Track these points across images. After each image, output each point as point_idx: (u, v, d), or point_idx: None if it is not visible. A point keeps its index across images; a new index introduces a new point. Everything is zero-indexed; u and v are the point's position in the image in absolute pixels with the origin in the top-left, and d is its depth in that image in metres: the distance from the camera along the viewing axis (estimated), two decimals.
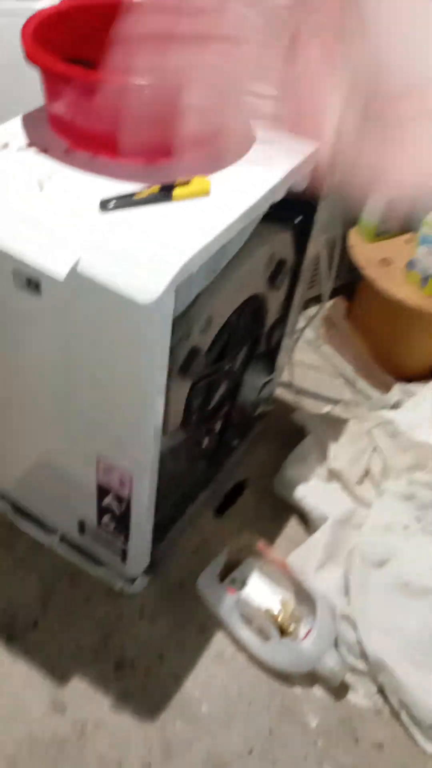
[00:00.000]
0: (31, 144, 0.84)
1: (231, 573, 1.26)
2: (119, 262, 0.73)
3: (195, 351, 0.91)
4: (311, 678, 1.15)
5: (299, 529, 1.38)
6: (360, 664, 1.15)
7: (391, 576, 1.22)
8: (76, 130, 0.84)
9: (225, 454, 1.40)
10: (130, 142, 0.82)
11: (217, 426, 1.29)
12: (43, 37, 0.85)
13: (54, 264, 0.74)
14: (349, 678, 1.15)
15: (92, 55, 0.91)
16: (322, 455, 1.44)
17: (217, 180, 0.83)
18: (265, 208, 0.86)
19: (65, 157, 0.83)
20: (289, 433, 1.52)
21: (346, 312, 1.81)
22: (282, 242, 1.05)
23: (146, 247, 0.74)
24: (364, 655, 1.14)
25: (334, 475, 1.41)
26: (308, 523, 1.37)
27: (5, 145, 0.84)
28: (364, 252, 1.60)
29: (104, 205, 0.77)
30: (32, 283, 0.80)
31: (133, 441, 0.91)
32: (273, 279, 1.07)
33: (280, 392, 1.61)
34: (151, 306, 0.72)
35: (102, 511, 1.07)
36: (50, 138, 0.86)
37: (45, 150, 0.84)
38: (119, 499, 1.02)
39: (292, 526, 1.39)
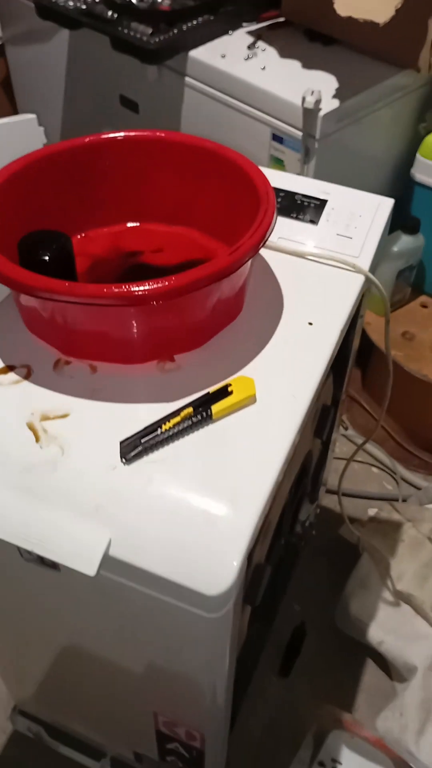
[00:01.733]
0: (9, 366, 0.64)
1: (317, 754, 1.07)
2: (165, 541, 0.54)
3: (259, 570, 0.72)
4: None
5: (379, 674, 1.19)
6: None
7: None
8: (69, 337, 0.64)
9: (278, 601, 1.21)
10: (145, 343, 0.63)
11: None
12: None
13: (77, 554, 0.54)
14: None
15: (55, 212, 0.73)
16: (384, 574, 1.25)
17: (256, 372, 0.64)
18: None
19: (57, 379, 0.63)
20: (335, 549, 1.33)
21: (361, 384, 1.64)
22: (326, 389, 0.86)
23: (197, 508, 0.55)
24: None
25: (402, 598, 1.22)
26: (388, 667, 1.18)
27: None
28: (380, 328, 1.42)
29: (125, 454, 0.57)
30: (46, 560, 0.60)
31: (200, 708, 0.71)
32: (320, 430, 0.89)
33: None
34: (222, 596, 0.53)
35: (165, 752, 0.87)
36: (31, 348, 0.66)
37: (28, 372, 0.64)
38: (188, 747, 0.82)
39: (370, 671, 1.20)
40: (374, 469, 1.50)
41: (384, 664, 1.18)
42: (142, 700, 0.78)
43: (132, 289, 0.55)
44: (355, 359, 1.09)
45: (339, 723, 1.07)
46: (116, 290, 0.55)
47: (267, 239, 0.61)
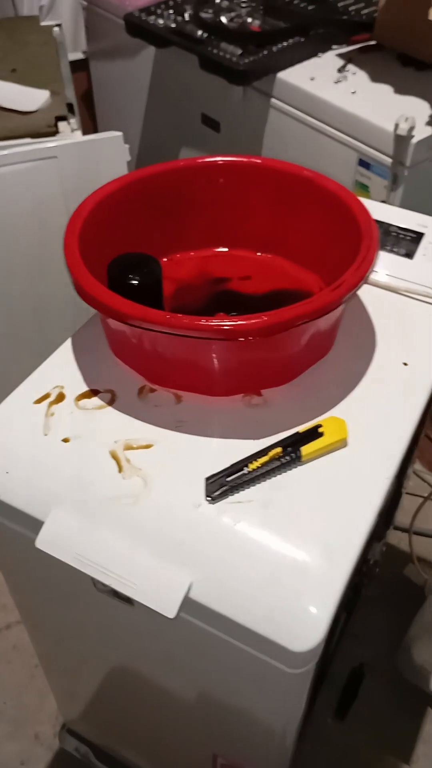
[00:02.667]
0: (93, 391, 0.63)
1: None
2: (250, 588, 0.51)
3: (335, 619, 0.68)
4: None
5: None
6: None
7: None
8: (156, 366, 0.63)
9: (339, 641, 1.16)
10: (232, 376, 0.61)
11: None
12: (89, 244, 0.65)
13: (157, 594, 0.52)
14: None
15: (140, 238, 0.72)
16: None
17: (347, 413, 0.61)
18: None
19: (141, 406, 0.62)
20: (400, 590, 1.28)
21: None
22: None
23: (285, 556, 0.52)
24: None
25: None
26: None
27: (60, 397, 0.63)
28: None
29: (211, 492, 0.55)
30: (120, 593, 0.58)
31: (264, 754, 0.68)
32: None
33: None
34: (308, 653, 0.50)
35: None
36: (116, 373, 0.65)
37: (112, 398, 0.63)
38: None
39: None
40: None
41: None
42: (202, 739, 0.75)
43: (230, 324, 0.53)
44: None
45: None
46: (214, 324, 0.53)
47: (369, 275, 0.59)
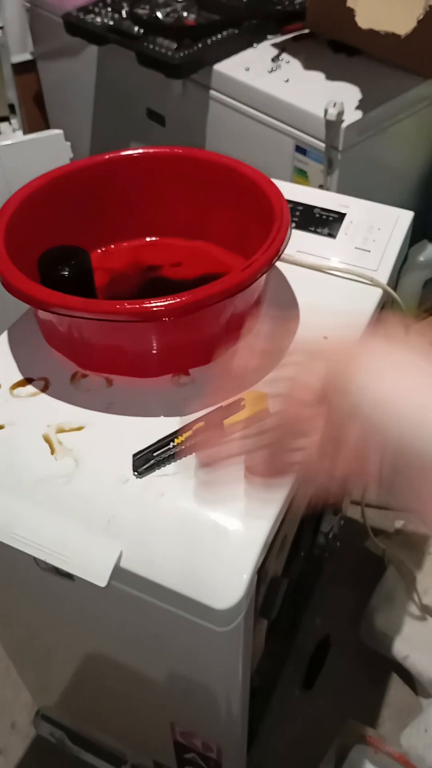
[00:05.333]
0: (27, 379, 0.66)
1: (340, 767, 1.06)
2: (176, 554, 0.54)
3: (275, 584, 0.72)
4: None
5: (404, 689, 1.17)
6: None
7: None
8: (86, 351, 0.65)
9: (300, 614, 1.20)
10: (159, 358, 0.64)
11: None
12: (20, 231, 0.67)
13: (89, 565, 0.55)
14: None
15: (79, 227, 0.74)
16: (410, 588, 1.24)
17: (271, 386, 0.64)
18: None
19: (74, 392, 0.65)
20: (361, 562, 1.32)
21: None
22: None
23: (208, 522, 0.55)
24: None
25: (428, 612, 1.21)
26: (414, 682, 1.16)
27: None
28: None
29: (138, 467, 0.58)
30: (60, 569, 0.61)
31: (215, 720, 0.72)
32: None
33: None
34: (231, 610, 0.53)
35: (183, 761, 0.87)
36: (49, 361, 0.67)
37: (46, 385, 0.65)
38: (205, 758, 0.82)
39: (395, 686, 1.18)
40: None
41: (409, 679, 1.17)
42: (159, 709, 0.78)
43: (145, 305, 0.56)
44: None
45: (362, 738, 1.05)
46: (129, 306, 0.56)
47: (281, 255, 0.62)
